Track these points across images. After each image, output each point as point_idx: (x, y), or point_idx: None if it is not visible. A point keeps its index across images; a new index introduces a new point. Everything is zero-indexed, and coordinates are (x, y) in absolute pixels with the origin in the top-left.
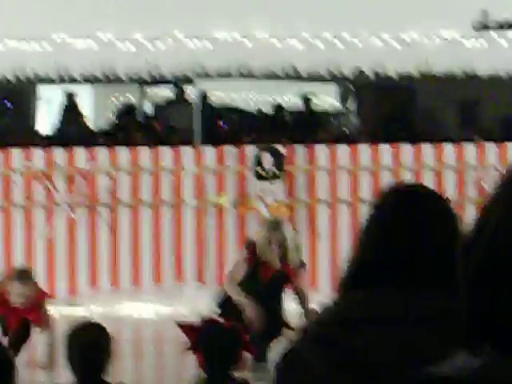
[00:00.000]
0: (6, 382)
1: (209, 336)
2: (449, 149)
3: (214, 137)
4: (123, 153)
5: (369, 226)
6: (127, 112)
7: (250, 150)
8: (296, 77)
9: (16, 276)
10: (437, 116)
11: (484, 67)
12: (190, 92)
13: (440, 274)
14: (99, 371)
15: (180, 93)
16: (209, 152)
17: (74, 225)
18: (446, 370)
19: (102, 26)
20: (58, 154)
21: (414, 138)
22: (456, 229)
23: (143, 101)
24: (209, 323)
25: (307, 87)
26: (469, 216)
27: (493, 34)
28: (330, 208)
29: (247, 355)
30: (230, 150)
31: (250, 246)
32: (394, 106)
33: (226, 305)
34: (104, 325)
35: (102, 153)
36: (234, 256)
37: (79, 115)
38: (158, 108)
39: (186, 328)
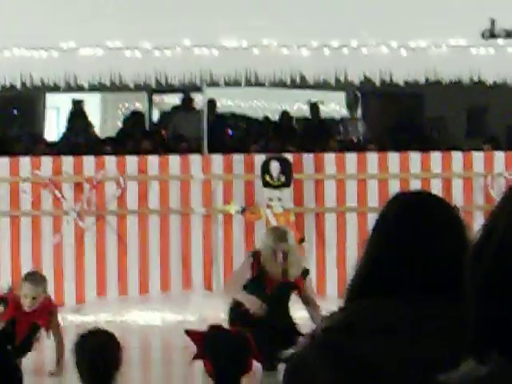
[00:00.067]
0: None
1: (215, 343)
2: (457, 157)
3: (222, 145)
4: (131, 161)
5: (374, 235)
6: (135, 120)
7: (258, 158)
8: (304, 85)
9: (28, 278)
10: (444, 123)
11: (491, 75)
12: (198, 100)
13: (447, 282)
14: (108, 377)
15: (188, 101)
16: (217, 160)
17: (82, 233)
18: (454, 377)
19: (110, 34)
20: (66, 162)
21: (422, 146)
22: (464, 237)
23: (151, 109)
24: (215, 330)
25: (315, 95)
26: (477, 224)
27: (500, 41)
28: (338, 216)
29: (256, 364)
30: (238, 158)
31: (255, 256)
32: (401, 114)
33: (236, 312)
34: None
35: (110, 161)
36: None
37: (87, 123)
38: (166, 116)
39: (194, 336)
